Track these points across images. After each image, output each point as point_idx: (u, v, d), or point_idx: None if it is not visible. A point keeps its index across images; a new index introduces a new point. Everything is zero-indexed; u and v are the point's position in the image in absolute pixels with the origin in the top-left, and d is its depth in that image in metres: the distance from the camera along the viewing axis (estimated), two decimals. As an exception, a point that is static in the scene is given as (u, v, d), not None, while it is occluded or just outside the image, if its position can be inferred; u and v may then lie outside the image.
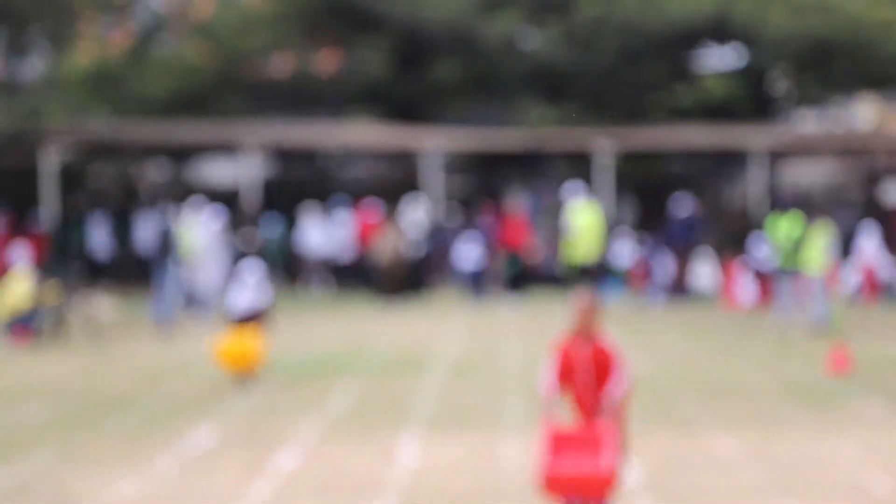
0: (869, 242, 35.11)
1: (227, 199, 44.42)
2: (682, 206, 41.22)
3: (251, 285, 16.82)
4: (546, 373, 8.21)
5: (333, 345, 24.57)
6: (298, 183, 50.31)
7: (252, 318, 16.36)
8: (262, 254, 31.06)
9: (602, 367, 8.17)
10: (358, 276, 40.26)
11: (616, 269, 38.28)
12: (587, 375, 8.16)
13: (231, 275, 30.42)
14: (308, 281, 40.24)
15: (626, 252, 38.53)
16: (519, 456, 12.78)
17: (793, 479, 11.78)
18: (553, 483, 7.89)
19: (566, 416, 8.38)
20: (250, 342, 15.95)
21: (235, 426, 13.85)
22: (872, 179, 50.48)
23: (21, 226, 37.31)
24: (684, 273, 36.19)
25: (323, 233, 40.65)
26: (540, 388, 8.38)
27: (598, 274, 33.98)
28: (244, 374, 15.26)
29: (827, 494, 11.15)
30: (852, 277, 34.87)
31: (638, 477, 11.86)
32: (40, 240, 34.91)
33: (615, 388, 8.12)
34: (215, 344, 15.66)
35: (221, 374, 16.37)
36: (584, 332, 8.17)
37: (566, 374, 8.13)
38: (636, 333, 26.61)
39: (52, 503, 11.26)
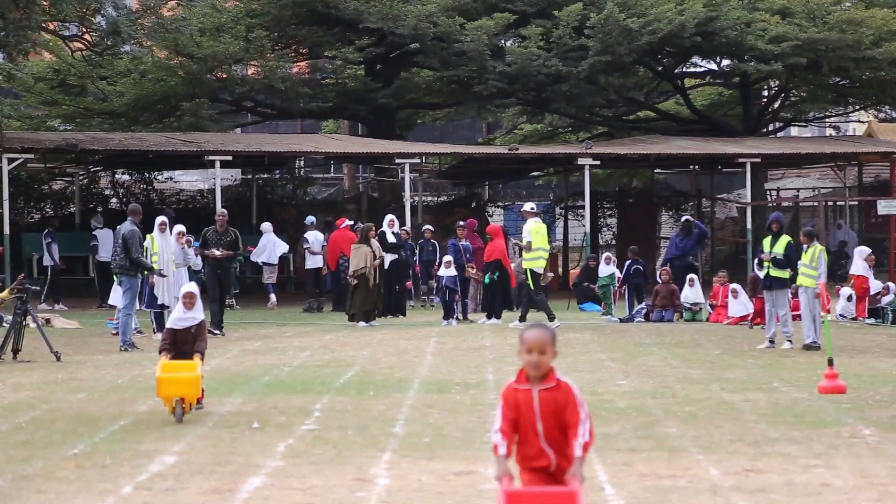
0: (861, 257, 35.06)
1: (195, 209, 44.44)
2: (684, 221, 41.16)
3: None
4: (496, 422, 7.62)
5: (313, 360, 24.53)
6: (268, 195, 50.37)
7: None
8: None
9: (559, 414, 7.51)
10: (333, 291, 40.31)
11: (601, 283, 38.28)
12: (543, 423, 7.52)
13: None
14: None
15: (610, 267, 38.46)
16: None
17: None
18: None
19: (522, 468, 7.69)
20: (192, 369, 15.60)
21: (202, 448, 13.71)
22: (865, 190, 50.66)
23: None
24: (674, 289, 36.15)
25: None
26: (492, 440, 7.55)
27: (541, 287, 33.75)
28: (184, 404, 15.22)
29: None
30: (845, 293, 34.84)
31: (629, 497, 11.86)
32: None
33: (578, 439, 7.41)
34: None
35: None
36: (537, 372, 7.50)
37: (518, 422, 7.53)
38: (620, 352, 26.71)
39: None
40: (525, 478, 7.65)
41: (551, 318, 32.33)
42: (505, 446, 7.38)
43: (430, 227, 39.86)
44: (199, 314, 16.04)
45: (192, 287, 16.37)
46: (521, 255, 34.10)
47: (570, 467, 7.39)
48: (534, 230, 33.14)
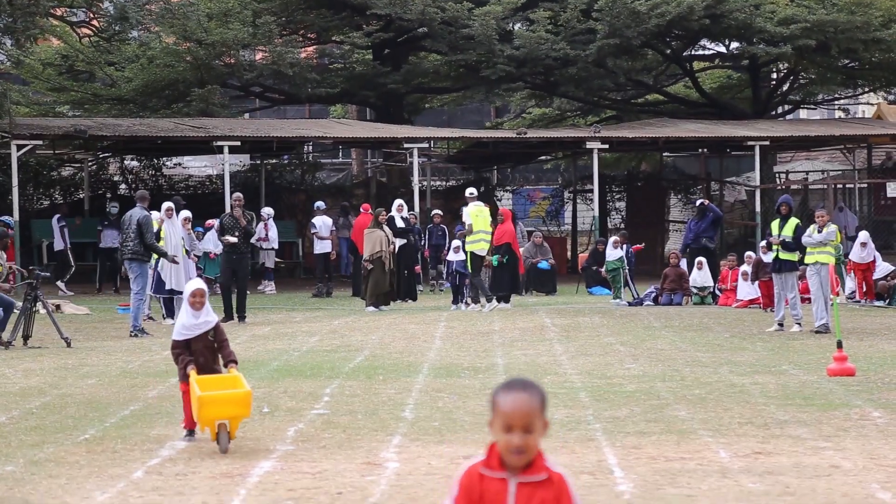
0: (869, 240, 34.94)
1: (201, 195, 44.45)
2: (699, 204, 41.08)
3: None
4: None
5: (322, 344, 24.55)
6: (277, 180, 50.33)
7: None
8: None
9: None
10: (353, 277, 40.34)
11: (609, 267, 38.21)
12: None
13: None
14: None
15: (618, 251, 38.38)
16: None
17: (791, 488, 11.74)
18: None
19: None
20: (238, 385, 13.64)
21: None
22: (874, 173, 50.61)
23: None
24: (685, 272, 36.17)
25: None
26: None
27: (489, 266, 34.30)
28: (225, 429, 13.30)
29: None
30: (852, 276, 34.80)
31: (629, 488, 11.83)
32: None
33: None
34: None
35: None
36: (520, 461, 4.94)
37: None
38: (629, 334, 26.71)
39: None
40: None
41: (489, 299, 33.12)
42: None
43: (439, 212, 39.89)
44: (211, 317, 14.00)
45: (199, 283, 14.48)
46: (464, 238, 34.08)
47: None
48: (473, 213, 33.59)
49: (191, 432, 13.63)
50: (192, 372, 13.48)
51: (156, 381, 19.68)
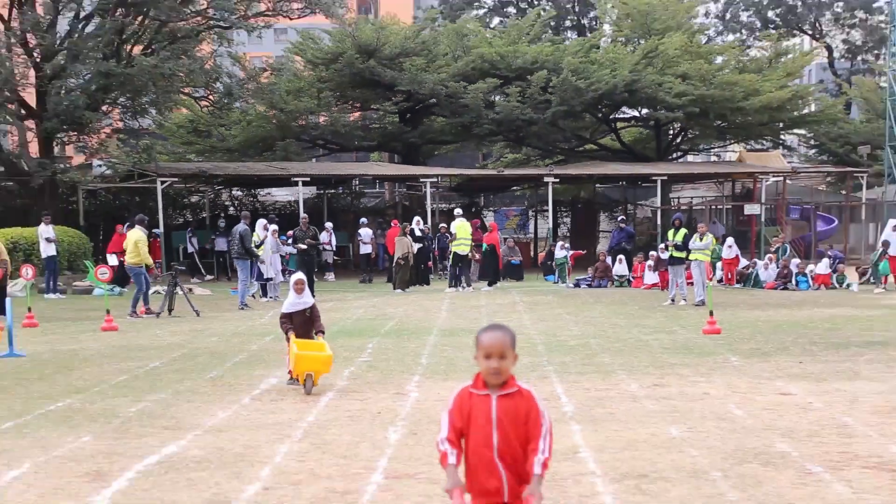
0: (733, 243, 35.15)
1: (284, 214, 44.49)
2: (620, 220, 41.90)
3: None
4: (443, 430, 5.30)
5: (362, 316, 24.54)
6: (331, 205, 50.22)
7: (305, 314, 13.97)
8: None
9: (519, 424, 5.20)
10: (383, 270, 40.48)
11: (557, 262, 38.35)
12: (500, 434, 5.17)
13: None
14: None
15: (563, 251, 38.54)
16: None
17: (679, 409, 11.89)
18: None
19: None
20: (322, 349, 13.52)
21: (283, 379, 13.92)
22: (737, 198, 50.50)
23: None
24: (609, 266, 36.29)
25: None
26: (439, 449, 5.30)
27: (468, 261, 34.48)
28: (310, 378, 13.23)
29: (702, 420, 11.27)
30: (721, 268, 34.96)
31: (571, 409, 11.99)
32: (156, 243, 34.83)
33: (538, 455, 5.17)
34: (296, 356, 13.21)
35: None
36: (497, 380, 5.21)
37: (468, 433, 5.23)
38: (566, 307, 26.67)
39: (168, 427, 11.35)
40: None
41: (458, 285, 33.37)
42: (455, 455, 5.19)
43: (444, 225, 39.81)
44: (309, 298, 14.05)
45: (301, 275, 14.59)
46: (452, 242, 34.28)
47: (524, 487, 5.18)
48: (458, 226, 33.65)
49: (292, 379, 13.62)
50: (291, 336, 13.48)
51: (257, 339, 19.83)
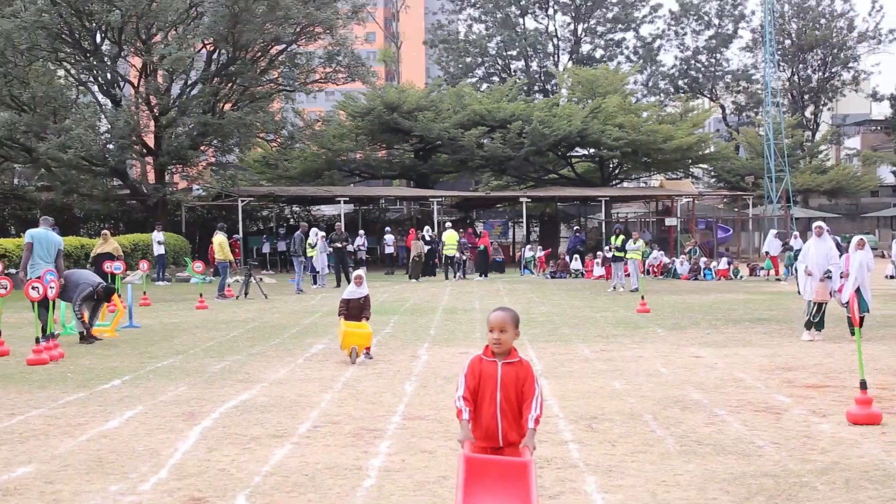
0: (657, 247, 35.19)
1: (330, 224, 44.46)
2: (575, 229, 41.94)
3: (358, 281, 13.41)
4: (459, 388, 5.21)
5: (386, 299, 24.46)
6: (365, 217, 50.25)
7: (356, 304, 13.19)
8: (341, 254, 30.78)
9: (518, 386, 5.14)
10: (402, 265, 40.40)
11: (527, 259, 38.37)
12: (503, 393, 5.10)
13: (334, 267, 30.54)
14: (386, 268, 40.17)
15: (535, 251, 38.51)
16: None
17: (620, 368, 11.79)
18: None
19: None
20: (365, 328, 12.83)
21: (336, 342, 13.78)
22: (659, 213, 50.49)
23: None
24: (568, 262, 36.21)
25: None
26: (455, 405, 5.21)
27: (459, 261, 34.49)
28: (358, 351, 12.59)
29: (636, 376, 11.16)
30: (650, 263, 34.88)
31: (540, 368, 11.89)
32: (236, 244, 34.71)
33: (532, 412, 5.09)
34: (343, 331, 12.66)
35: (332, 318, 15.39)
36: (500, 349, 5.17)
37: (478, 391, 5.15)
38: (536, 293, 26.53)
39: (243, 381, 11.26)
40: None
41: (455, 276, 33.66)
42: (468, 412, 5.11)
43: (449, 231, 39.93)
44: (364, 290, 13.25)
45: (361, 272, 13.73)
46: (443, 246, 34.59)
47: (521, 439, 5.09)
48: (447, 235, 33.96)
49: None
50: (341, 319, 12.96)
51: (309, 316, 19.67)
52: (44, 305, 14.00)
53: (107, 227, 39.31)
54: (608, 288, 27.85)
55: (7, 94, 36.68)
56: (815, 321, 14.57)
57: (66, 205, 41.14)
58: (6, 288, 14.29)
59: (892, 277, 31.87)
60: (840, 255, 14.74)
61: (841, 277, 14.16)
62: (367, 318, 13.08)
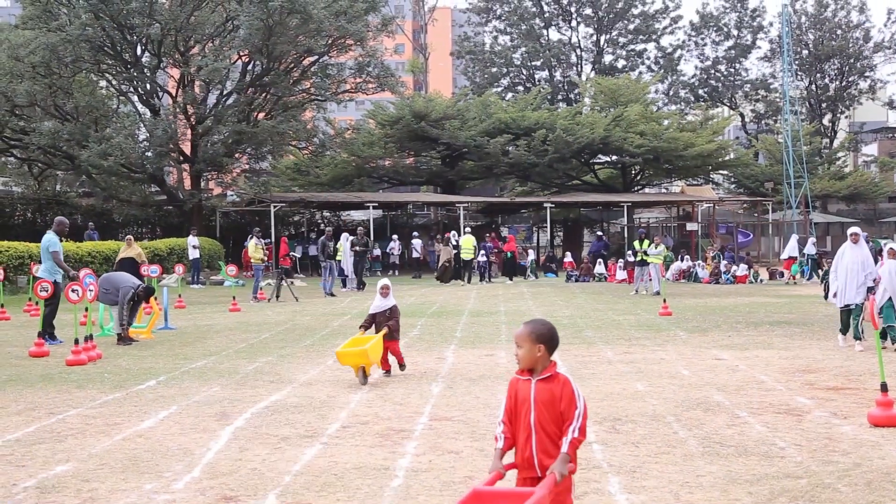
0: (684, 254, 35.07)
1: (364, 229, 44.55)
2: (598, 234, 41.98)
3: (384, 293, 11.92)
4: (500, 411, 4.70)
5: (413, 302, 24.45)
6: (393, 222, 50.34)
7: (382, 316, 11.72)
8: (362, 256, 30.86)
9: (554, 405, 4.49)
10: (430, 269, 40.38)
11: (555, 263, 38.31)
12: (536, 412, 4.48)
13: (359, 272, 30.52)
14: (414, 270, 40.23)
15: (559, 254, 38.47)
16: (510, 357, 12.79)
17: (642, 370, 11.70)
18: None
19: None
20: (368, 343, 11.13)
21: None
22: (681, 218, 50.29)
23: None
24: (592, 266, 36.10)
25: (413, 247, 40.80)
26: (496, 429, 4.66)
27: (472, 265, 34.44)
28: (363, 370, 10.93)
29: (658, 378, 11.08)
30: (669, 271, 34.71)
31: (564, 370, 11.78)
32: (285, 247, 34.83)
33: (567, 436, 4.40)
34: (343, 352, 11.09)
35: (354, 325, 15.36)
36: (520, 365, 4.64)
37: (514, 412, 4.59)
38: (565, 298, 26.42)
39: (274, 381, 11.25)
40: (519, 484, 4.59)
41: (461, 279, 33.57)
42: (503, 440, 4.56)
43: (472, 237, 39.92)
44: (391, 301, 11.82)
45: (387, 281, 12.08)
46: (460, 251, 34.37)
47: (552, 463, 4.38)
48: (464, 240, 33.97)
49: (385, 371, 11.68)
50: (360, 331, 11.79)
51: (338, 318, 19.67)
52: (51, 304, 14.27)
53: (131, 232, 39.45)
54: (631, 291, 27.69)
55: (51, 105, 37.13)
56: (856, 330, 13.79)
57: (105, 210, 41.55)
58: (47, 290, 14.42)
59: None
60: (875, 263, 14.21)
61: (875, 284, 13.51)
62: (388, 329, 11.56)
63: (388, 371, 11.60)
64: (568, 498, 4.50)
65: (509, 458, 4.58)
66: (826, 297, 17.94)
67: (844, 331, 14.01)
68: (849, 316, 13.88)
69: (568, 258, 39.14)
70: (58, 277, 15.15)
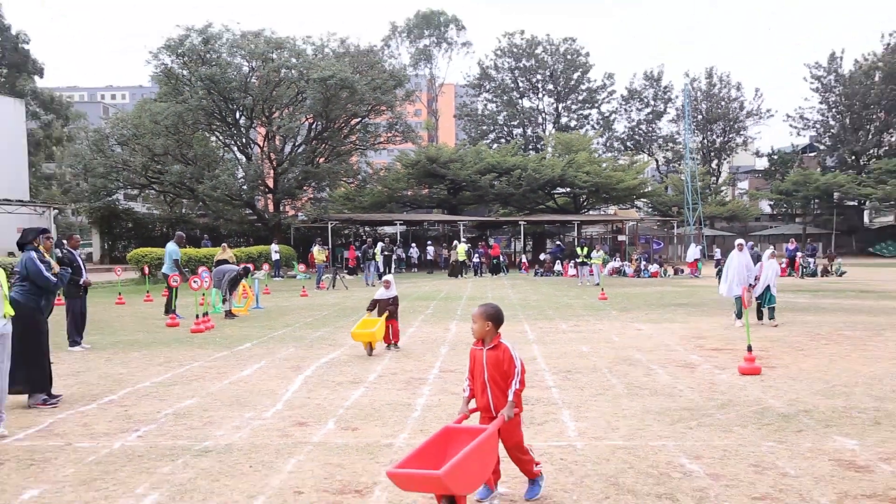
0: (618, 258, 34.79)
1: (392, 240, 44.33)
2: (561, 243, 41.51)
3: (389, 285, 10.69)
4: (467, 370, 4.60)
5: (427, 290, 24.40)
6: (413, 234, 49.96)
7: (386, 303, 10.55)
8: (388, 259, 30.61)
9: (500, 367, 4.38)
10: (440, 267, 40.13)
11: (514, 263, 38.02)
12: (489, 372, 4.39)
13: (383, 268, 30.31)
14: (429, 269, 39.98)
15: (523, 257, 38.18)
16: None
17: (586, 337, 11.65)
18: (395, 477, 3.78)
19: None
20: (373, 326, 10.14)
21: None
22: (614, 232, 49.92)
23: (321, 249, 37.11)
24: (552, 265, 35.93)
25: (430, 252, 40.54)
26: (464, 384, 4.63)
27: (468, 265, 33.82)
28: (371, 345, 10.05)
29: (597, 342, 11.04)
30: (606, 269, 34.55)
31: (533, 337, 11.80)
32: (352, 251, 34.70)
33: (511, 387, 4.35)
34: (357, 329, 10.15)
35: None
36: (481, 339, 4.49)
37: (473, 372, 4.50)
38: (529, 287, 26.33)
39: (331, 345, 11.24)
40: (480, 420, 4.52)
41: (458, 276, 32.63)
42: (468, 391, 4.48)
43: (466, 246, 39.69)
44: (393, 292, 10.49)
45: (390, 277, 10.66)
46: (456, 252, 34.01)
47: (504, 404, 4.37)
48: (460, 247, 33.83)
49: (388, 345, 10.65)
50: (367, 314, 10.50)
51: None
52: (172, 291, 14.47)
53: (231, 242, 39.33)
54: (577, 283, 27.69)
55: (178, 153, 37.32)
56: (738, 311, 13.47)
57: (215, 226, 41.57)
58: (177, 281, 14.52)
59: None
60: (755, 264, 14.09)
61: (756, 280, 13.37)
62: (392, 315, 10.44)
63: (388, 344, 10.48)
64: (518, 431, 4.49)
65: (474, 404, 4.55)
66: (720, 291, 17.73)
67: (739, 315, 13.42)
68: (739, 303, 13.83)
69: (523, 260, 38.68)
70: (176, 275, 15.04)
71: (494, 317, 4.49)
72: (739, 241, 13.62)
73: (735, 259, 13.48)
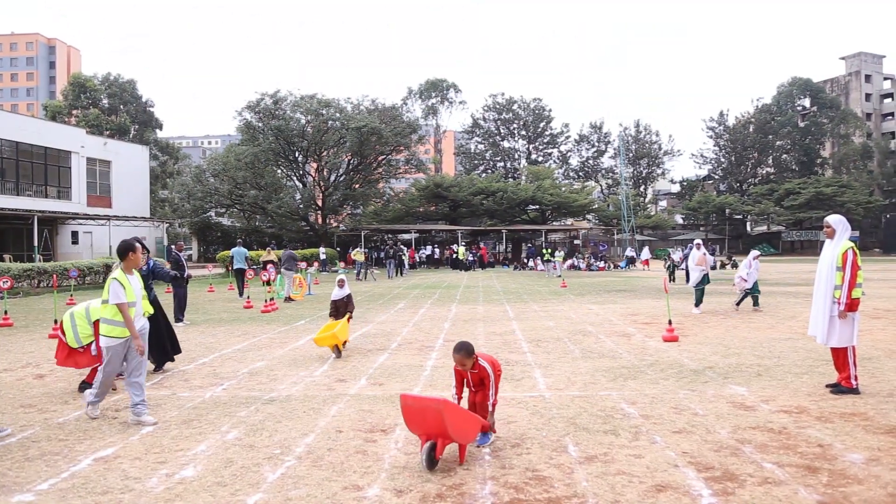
0: (578, 257, 34.48)
1: (404, 244, 44.03)
2: (532, 245, 40.98)
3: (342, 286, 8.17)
4: (453, 386, 4.39)
5: (435, 280, 24.27)
6: (423, 240, 49.60)
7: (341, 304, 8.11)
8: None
9: (479, 383, 4.24)
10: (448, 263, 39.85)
11: (507, 261, 37.75)
12: (475, 386, 4.27)
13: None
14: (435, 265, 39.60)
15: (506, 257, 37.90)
16: (485, 309, 12.59)
17: (551, 315, 11.49)
18: (405, 400, 3.84)
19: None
20: (335, 328, 7.48)
21: (409, 302, 13.69)
22: (571, 238, 49.74)
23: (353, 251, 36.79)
24: (527, 262, 35.72)
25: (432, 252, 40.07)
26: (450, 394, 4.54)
27: (468, 263, 32.91)
28: (336, 347, 7.41)
29: (560, 318, 10.90)
30: (565, 264, 34.31)
31: (512, 314, 11.68)
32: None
33: (489, 400, 4.19)
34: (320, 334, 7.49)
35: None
36: (462, 365, 4.23)
37: (459, 386, 4.33)
38: (512, 279, 26.11)
39: (364, 322, 11.10)
40: None
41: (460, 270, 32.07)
42: (456, 399, 4.30)
43: (464, 248, 39.54)
44: (346, 290, 8.02)
45: (343, 276, 8.17)
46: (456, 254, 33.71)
47: (487, 415, 4.23)
48: (459, 249, 33.86)
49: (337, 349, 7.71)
50: (330, 319, 8.06)
51: (396, 289, 19.26)
52: (240, 279, 14.12)
53: (292, 247, 39.13)
54: (545, 275, 27.47)
55: (254, 182, 37.59)
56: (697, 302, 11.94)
57: (279, 235, 41.57)
58: (250, 276, 14.42)
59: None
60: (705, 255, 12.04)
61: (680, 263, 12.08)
62: (350, 313, 7.99)
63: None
64: (486, 414, 4.26)
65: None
66: (672, 279, 17.28)
67: (697, 304, 11.72)
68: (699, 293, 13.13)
69: (501, 258, 38.51)
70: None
71: (471, 351, 4.30)
72: (697, 240, 12.50)
73: (693, 255, 12.34)
